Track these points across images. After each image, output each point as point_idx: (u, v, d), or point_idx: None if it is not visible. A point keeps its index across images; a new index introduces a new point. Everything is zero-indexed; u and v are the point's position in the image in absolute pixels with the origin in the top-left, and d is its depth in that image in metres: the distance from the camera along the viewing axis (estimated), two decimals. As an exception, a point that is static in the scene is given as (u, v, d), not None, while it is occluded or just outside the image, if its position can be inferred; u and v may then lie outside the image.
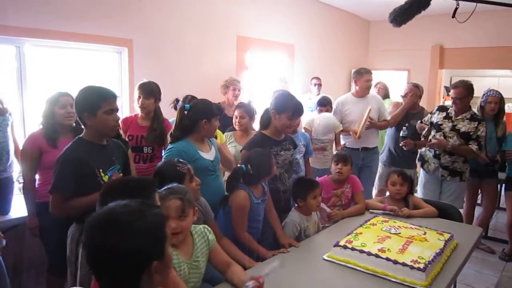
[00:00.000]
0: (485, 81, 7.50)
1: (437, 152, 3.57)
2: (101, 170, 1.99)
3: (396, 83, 6.52)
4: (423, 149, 3.76)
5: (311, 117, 4.03)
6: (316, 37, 5.98)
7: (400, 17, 2.57)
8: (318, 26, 6.00)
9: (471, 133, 3.39)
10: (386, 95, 5.52)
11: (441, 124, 3.53)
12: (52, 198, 1.95)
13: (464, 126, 3.42)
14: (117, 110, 2.03)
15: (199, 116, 2.34)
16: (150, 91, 2.87)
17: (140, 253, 0.93)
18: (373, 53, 7.30)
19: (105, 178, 1.99)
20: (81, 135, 2.04)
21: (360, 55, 7.19)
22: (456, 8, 2.55)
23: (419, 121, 3.83)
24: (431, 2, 2.49)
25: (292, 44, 5.50)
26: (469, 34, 6.15)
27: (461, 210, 3.77)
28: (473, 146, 3.36)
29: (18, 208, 2.66)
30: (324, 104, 4.00)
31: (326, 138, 3.86)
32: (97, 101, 1.94)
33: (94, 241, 0.95)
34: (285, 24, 5.34)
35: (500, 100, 3.74)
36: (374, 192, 4.33)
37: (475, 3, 2.53)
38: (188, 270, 1.67)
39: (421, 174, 3.83)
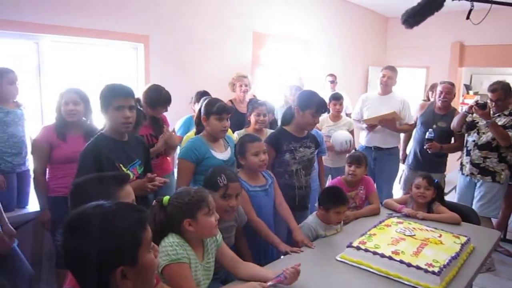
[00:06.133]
0: (507, 80, 7.28)
1: (468, 148, 3.46)
2: (121, 165, 2.01)
3: (414, 80, 6.42)
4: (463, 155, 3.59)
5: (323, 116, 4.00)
6: (332, 33, 5.92)
7: (412, 18, 2.49)
8: (335, 22, 5.94)
9: (506, 125, 3.27)
10: None
11: (476, 122, 3.41)
12: None
13: (500, 120, 3.31)
14: (130, 107, 2.01)
15: (200, 112, 2.40)
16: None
17: (99, 256, 0.89)
18: (391, 50, 7.18)
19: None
20: (102, 131, 2.09)
21: (378, 52, 7.08)
22: (471, 10, 2.48)
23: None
24: (445, 3, 2.42)
25: (307, 39, 5.46)
26: (490, 31, 5.97)
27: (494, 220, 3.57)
28: (510, 133, 3.22)
29: (36, 201, 2.68)
30: (338, 98, 3.94)
31: None
32: (108, 98, 1.99)
33: (62, 241, 0.94)
34: (300, 19, 5.30)
35: None
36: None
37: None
38: (202, 272, 1.65)
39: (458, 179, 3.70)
